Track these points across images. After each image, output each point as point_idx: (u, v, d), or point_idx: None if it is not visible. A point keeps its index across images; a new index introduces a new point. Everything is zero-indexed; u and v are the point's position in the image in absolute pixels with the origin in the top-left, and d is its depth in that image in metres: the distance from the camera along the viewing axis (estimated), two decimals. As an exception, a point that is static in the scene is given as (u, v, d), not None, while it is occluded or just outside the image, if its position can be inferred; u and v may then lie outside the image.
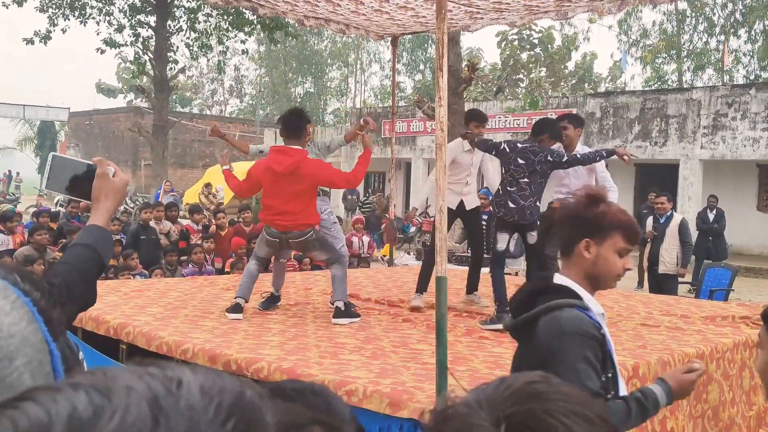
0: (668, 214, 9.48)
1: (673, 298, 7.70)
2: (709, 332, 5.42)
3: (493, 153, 5.78)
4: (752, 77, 33.29)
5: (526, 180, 5.46)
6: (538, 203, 5.57)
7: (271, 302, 5.82)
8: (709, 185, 18.46)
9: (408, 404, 3.32)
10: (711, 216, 13.90)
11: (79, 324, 5.00)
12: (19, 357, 0.65)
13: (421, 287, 6.14)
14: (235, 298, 5.40)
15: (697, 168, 18.86)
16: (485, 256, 6.75)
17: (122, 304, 5.65)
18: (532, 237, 5.65)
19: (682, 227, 9.35)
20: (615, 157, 5.88)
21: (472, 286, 6.58)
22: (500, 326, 5.23)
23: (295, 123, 5.46)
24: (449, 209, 6.27)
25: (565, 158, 5.57)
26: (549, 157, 5.49)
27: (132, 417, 0.50)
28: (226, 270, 9.86)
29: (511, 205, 5.47)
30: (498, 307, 5.47)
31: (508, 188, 5.52)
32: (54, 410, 0.50)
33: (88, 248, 1.54)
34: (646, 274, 9.72)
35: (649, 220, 9.68)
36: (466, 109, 15.93)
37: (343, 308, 5.31)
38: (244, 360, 3.98)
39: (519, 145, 5.57)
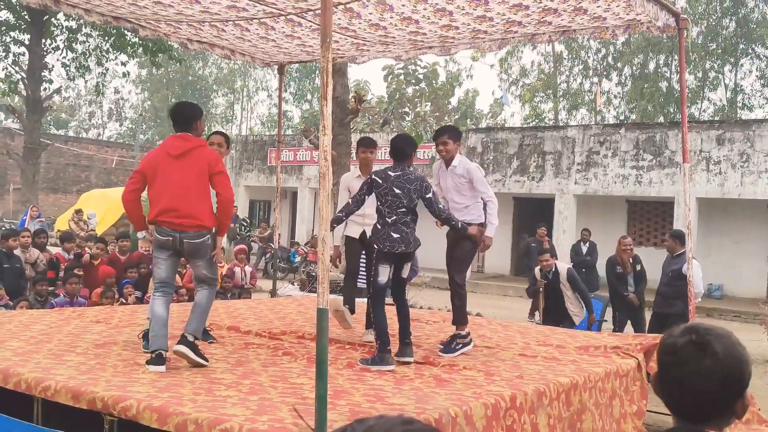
0: (553, 269, 9.08)
1: (549, 328, 7.92)
2: (583, 362, 5.59)
3: (367, 195, 5.46)
4: (622, 118, 35.35)
5: (404, 209, 5.31)
6: (414, 229, 5.43)
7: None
8: (582, 219, 19.32)
9: (286, 442, 3.20)
10: (584, 248, 14.48)
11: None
12: None
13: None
14: (152, 352, 4.69)
15: (571, 202, 19.70)
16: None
17: (-22, 338, 5.22)
18: (406, 270, 5.50)
19: (571, 278, 9.00)
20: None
21: (370, 321, 6.19)
22: (386, 368, 5.00)
23: (185, 114, 5.12)
24: (353, 239, 6.22)
25: (428, 195, 5.42)
26: (421, 186, 5.38)
27: None
28: (93, 301, 9.34)
29: (395, 235, 5.27)
30: (380, 347, 5.15)
31: (387, 219, 5.29)
32: None
33: None
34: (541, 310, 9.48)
35: (537, 273, 9.35)
36: (352, 140, 15.99)
37: (190, 339, 4.80)
38: (111, 398, 3.74)
39: (390, 173, 5.35)
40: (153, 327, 4.79)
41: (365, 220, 6.17)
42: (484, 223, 5.91)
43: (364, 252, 6.46)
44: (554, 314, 8.91)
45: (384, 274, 5.33)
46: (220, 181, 4.96)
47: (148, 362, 4.65)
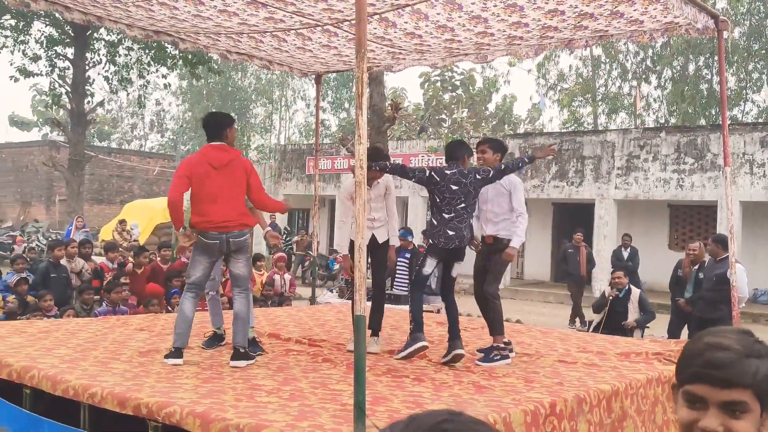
0: (626, 288, 9.41)
1: (590, 334, 7.86)
2: (624, 368, 5.54)
3: (414, 180, 5.71)
4: (662, 121, 34.84)
5: (462, 205, 5.49)
6: (471, 220, 5.65)
7: (214, 341, 5.82)
8: (623, 224, 19.09)
9: (325, 447, 3.23)
10: (625, 254, 14.33)
11: (-21, 368, 4.72)
12: None
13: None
14: (174, 346, 5.12)
15: (611, 207, 19.48)
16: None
17: (28, 345, 5.37)
18: (457, 270, 5.66)
19: (642, 301, 9.35)
20: (536, 160, 6.08)
21: (374, 328, 6.14)
22: (418, 345, 5.30)
23: (214, 122, 5.45)
24: None
25: (491, 172, 5.62)
26: (477, 176, 5.56)
27: None
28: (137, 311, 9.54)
29: (450, 232, 5.46)
30: (413, 327, 5.44)
31: (445, 215, 5.48)
32: None
33: None
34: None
35: (607, 290, 9.67)
36: (389, 147, 16.06)
37: (242, 350, 5.18)
38: (155, 404, 3.82)
39: (447, 171, 5.54)
40: (180, 325, 5.18)
41: (374, 224, 6.22)
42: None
43: (370, 257, 6.48)
44: (613, 330, 9.08)
45: (430, 266, 5.60)
46: (258, 190, 5.46)
47: (167, 355, 5.04)
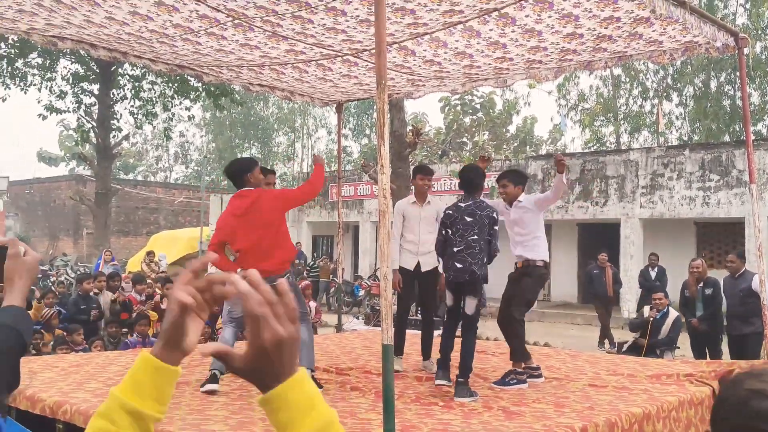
0: (665, 310, 9.43)
1: (620, 357, 7.77)
2: (655, 391, 5.47)
3: (443, 233, 5.67)
4: (685, 138, 34.56)
5: (475, 237, 5.43)
6: (485, 260, 5.50)
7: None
8: (650, 243, 18.89)
9: (356, 478, 3.23)
10: (653, 274, 14.16)
11: (13, 403, 4.77)
12: None
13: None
14: (210, 369, 5.27)
15: (637, 227, 19.31)
16: (436, 319, 6.79)
17: (59, 380, 5.43)
18: (471, 306, 5.46)
19: (674, 325, 9.33)
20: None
21: (427, 352, 6.44)
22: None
23: (232, 170, 5.60)
24: (407, 270, 6.27)
25: (495, 227, 5.58)
26: (495, 215, 5.57)
27: None
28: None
29: (459, 265, 5.41)
30: (439, 363, 5.43)
31: (455, 249, 5.45)
32: None
33: (8, 329, 1.48)
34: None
35: (646, 310, 9.71)
36: (411, 173, 16.11)
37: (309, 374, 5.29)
38: (186, 437, 3.84)
39: (461, 204, 5.57)
40: None
41: (420, 248, 6.23)
42: (547, 264, 5.97)
43: (418, 284, 6.50)
44: (647, 350, 9.13)
45: (449, 299, 5.61)
46: (297, 199, 5.72)
47: (203, 383, 5.14)
